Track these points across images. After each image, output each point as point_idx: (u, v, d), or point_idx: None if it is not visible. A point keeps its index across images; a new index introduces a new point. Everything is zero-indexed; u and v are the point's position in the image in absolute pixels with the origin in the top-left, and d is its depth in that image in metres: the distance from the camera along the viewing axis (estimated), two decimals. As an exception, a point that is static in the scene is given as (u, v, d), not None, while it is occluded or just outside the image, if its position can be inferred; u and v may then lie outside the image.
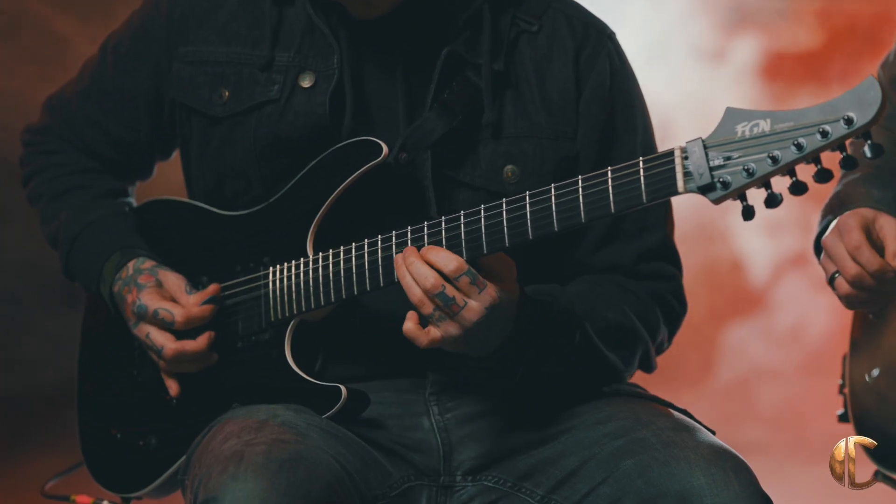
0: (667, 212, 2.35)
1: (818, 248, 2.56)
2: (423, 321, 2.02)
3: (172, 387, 2.31)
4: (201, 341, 2.25)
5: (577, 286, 2.26)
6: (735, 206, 1.85)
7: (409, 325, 2.02)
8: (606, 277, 2.29)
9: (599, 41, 2.33)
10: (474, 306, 1.98)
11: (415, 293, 1.99)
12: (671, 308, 2.32)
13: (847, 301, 2.45)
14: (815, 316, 5.67)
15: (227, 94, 2.30)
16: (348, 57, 2.26)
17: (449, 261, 1.98)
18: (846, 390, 2.74)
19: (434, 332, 2.01)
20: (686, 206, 2.45)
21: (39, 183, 2.52)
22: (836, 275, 2.42)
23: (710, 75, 5.69)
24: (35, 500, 2.71)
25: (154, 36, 2.39)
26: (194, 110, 2.33)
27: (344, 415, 2.12)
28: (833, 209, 2.54)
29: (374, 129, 2.23)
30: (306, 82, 2.26)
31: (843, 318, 2.76)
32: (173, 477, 2.31)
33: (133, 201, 2.53)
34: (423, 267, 1.99)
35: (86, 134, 2.49)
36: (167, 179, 2.68)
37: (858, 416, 2.67)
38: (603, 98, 2.30)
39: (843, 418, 2.76)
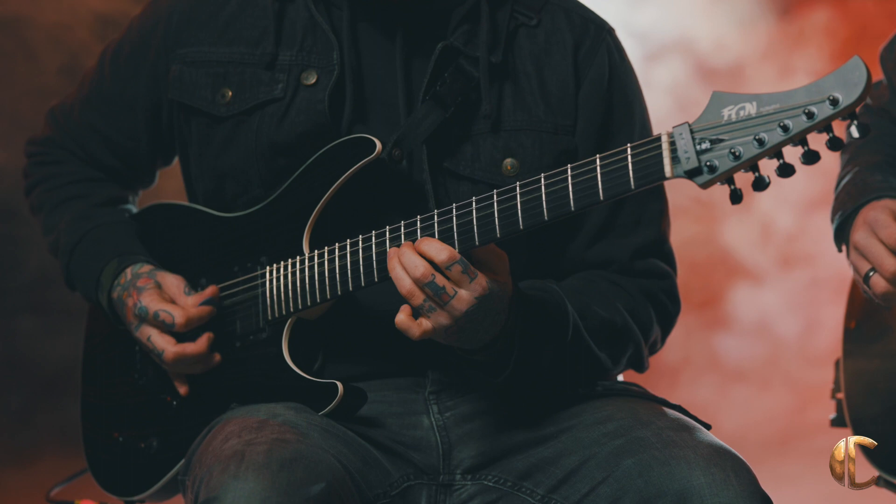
0: (663, 209, 2.34)
1: (837, 241, 2.50)
2: (416, 313, 2.01)
3: (182, 388, 2.31)
4: (201, 343, 2.25)
5: (571, 282, 2.25)
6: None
7: (402, 316, 2.00)
8: (600, 274, 2.28)
9: (598, 36, 2.33)
10: (464, 295, 1.97)
11: (404, 284, 1.98)
12: (664, 307, 2.31)
13: (885, 299, 2.36)
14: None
15: (230, 93, 2.29)
16: (349, 53, 2.26)
17: (440, 251, 1.97)
18: (840, 395, 2.70)
19: (426, 323, 1.99)
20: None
21: (40, 193, 2.53)
22: (871, 273, 2.34)
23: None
24: (40, 504, 2.72)
25: (152, 42, 2.40)
26: (195, 111, 2.33)
27: (341, 411, 2.12)
28: (846, 201, 2.47)
29: (375, 125, 2.23)
30: (310, 80, 2.26)
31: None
32: (175, 479, 2.31)
33: (134, 208, 2.54)
34: (413, 257, 1.98)
35: (87, 142, 2.50)
36: (171, 183, 2.69)
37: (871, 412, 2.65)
38: (601, 92, 2.30)
39: (835, 422, 2.72)
